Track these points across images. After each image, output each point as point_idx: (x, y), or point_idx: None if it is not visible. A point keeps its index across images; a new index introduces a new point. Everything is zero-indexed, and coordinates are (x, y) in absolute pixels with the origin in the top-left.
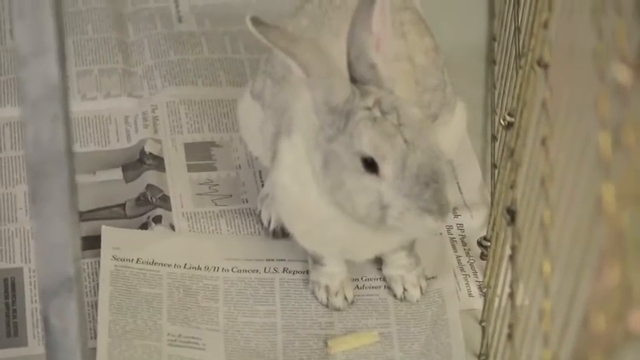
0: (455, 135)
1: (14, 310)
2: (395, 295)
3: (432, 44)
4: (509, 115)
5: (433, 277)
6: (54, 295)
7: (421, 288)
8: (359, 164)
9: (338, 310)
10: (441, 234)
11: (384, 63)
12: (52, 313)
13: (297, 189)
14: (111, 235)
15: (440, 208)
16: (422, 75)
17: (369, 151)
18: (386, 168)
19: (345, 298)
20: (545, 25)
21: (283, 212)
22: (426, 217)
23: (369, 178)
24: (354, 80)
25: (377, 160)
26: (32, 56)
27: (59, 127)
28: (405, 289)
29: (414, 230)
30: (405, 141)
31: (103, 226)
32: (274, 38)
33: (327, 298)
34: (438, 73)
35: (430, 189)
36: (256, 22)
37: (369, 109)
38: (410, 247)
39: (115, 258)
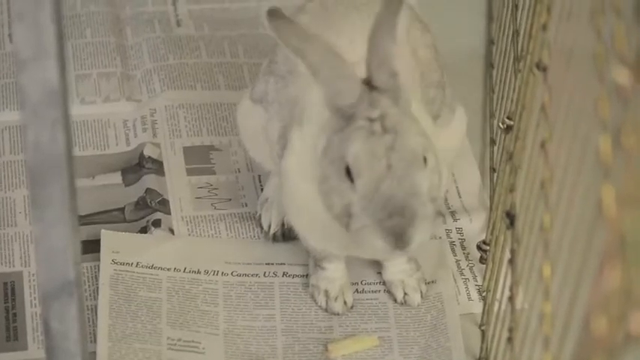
0: (455, 137)
1: (14, 314)
2: (395, 300)
3: (432, 41)
4: (509, 118)
5: (433, 282)
6: (54, 299)
7: (421, 292)
8: (342, 167)
9: (337, 314)
10: (440, 238)
11: (401, 72)
12: (53, 317)
13: (302, 178)
14: (110, 239)
15: (396, 241)
16: (426, 69)
17: (349, 161)
18: (358, 184)
19: (345, 303)
20: (544, 28)
21: (287, 202)
22: (380, 240)
23: (346, 184)
24: (373, 87)
25: (353, 173)
26: (32, 60)
27: (59, 132)
28: (405, 294)
29: (368, 247)
30: (389, 167)
31: (103, 230)
32: (286, 36)
33: (327, 303)
34: (439, 69)
35: (393, 221)
36: (273, 15)
37: (371, 120)
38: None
39: (114, 262)
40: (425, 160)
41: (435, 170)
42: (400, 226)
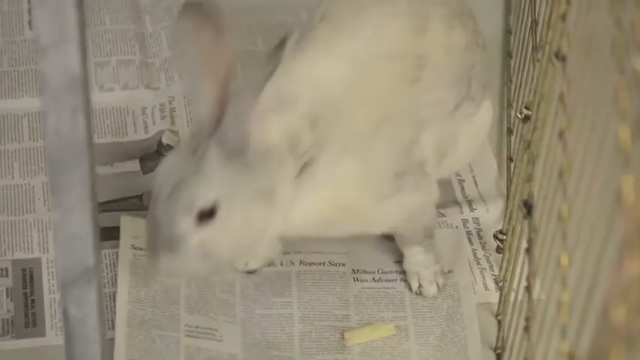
0: (476, 131)
1: (32, 301)
2: (411, 289)
3: (463, 41)
4: (526, 108)
5: (449, 271)
6: (73, 285)
7: (438, 285)
8: None
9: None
10: (457, 227)
11: (260, 132)
12: (71, 304)
13: None
14: (130, 224)
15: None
16: (433, 72)
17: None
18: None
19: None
20: (563, 18)
21: None
22: None
23: None
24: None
25: None
26: (53, 47)
27: (80, 118)
28: (420, 285)
29: None
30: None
31: (122, 216)
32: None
33: None
34: (459, 69)
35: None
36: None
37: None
38: (427, 244)
39: (134, 247)
40: (207, 213)
41: (226, 232)
42: (153, 244)
